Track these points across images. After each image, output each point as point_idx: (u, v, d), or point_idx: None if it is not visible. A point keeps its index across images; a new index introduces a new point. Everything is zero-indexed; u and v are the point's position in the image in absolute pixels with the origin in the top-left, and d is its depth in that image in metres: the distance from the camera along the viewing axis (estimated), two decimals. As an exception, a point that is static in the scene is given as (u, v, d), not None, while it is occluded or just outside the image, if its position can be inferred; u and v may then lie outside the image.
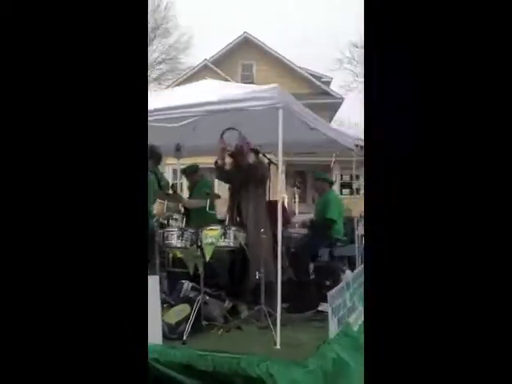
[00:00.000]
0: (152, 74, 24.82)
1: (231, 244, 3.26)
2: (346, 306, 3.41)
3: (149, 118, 2.17)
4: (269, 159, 4.07)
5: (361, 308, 3.64)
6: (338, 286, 3.34)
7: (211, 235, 3.12)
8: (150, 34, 23.98)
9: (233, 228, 3.29)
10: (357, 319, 3.49)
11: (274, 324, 2.98)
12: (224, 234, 3.16)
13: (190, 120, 3.25)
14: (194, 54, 28.22)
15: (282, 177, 4.63)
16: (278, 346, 2.82)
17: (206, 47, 26.73)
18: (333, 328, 2.97)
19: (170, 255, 3.78)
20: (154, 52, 24.56)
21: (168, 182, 4.25)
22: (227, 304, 3.46)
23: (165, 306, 3.33)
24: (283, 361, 2.50)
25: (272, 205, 3.92)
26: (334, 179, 13.38)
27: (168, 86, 18.15)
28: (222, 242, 3.20)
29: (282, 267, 3.18)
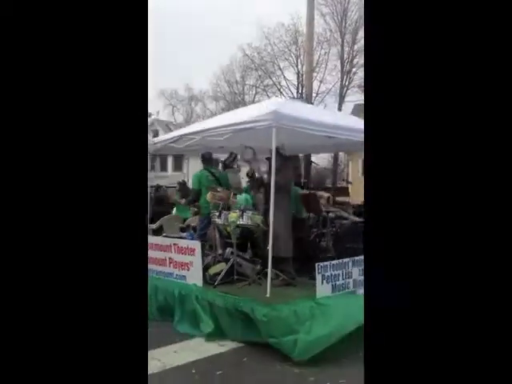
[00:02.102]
0: (361, 60, 25.49)
1: (249, 223, 4.67)
2: (353, 277, 4.49)
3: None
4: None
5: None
6: (336, 260, 4.45)
7: (232, 217, 4.57)
8: (360, 20, 24.68)
9: (249, 212, 4.65)
10: None
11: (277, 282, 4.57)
12: (241, 216, 4.56)
13: (226, 136, 4.74)
14: None
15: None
16: (268, 295, 4.20)
17: None
18: (321, 291, 4.15)
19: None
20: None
21: (217, 177, 5.74)
22: (258, 267, 4.84)
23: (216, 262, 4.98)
24: (263, 303, 3.95)
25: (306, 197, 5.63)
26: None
27: None
28: (241, 222, 4.62)
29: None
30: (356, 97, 25.32)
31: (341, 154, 26.11)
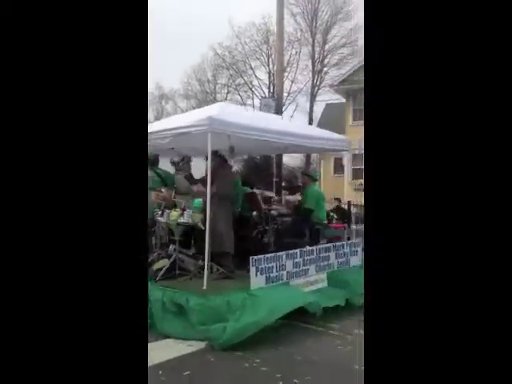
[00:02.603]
0: (331, 59, 26.00)
1: (189, 221, 4.91)
2: (286, 269, 4.87)
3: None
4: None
5: (319, 276, 5.25)
6: (270, 254, 4.81)
7: (173, 215, 4.74)
8: (331, 19, 25.20)
9: (189, 211, 4.85)
10: (304, 283, 5.01)
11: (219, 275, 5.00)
12: (182, 215, 4.73)
13: (168, 139, 5.01)
14: None
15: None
16: (205, 287, 4.53)
17: None
18: (255, 282, 4.48)
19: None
20: (335, 37, 25.79)
21: (163, 178, 5.97)
22: (200, 262, 4.98)
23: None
24: (198, 295, 4.28)
25: (249, 196, 6.22)
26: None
27: (348, 71, 19.06)
28: (182, 220, 4.80)
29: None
30: (328, 96, 25.76)
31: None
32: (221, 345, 3.83)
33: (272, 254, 4.78)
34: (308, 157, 26.48)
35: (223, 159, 5.39)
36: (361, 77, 17.44)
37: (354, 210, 14.40)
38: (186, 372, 3.49)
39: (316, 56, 25.55)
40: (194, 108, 31.18)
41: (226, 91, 29.60)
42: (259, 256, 4.60)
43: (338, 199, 11.27)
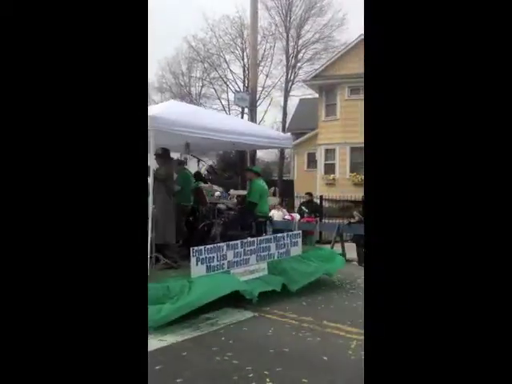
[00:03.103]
0: (305, 55, 26.13)
1: None
2: (227, 259, 5.33)
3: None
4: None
5: (260, 265, 5.74)
6: (210, 245, 5.24)
7: None
8: (305, 14, 25.29)
9: None
10: (244, 272, 5.51)
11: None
12: None
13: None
14: (349, 30, 28.63)
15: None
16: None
17: (361, 23, 26.81)
18: (196, 271, 4.94)
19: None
20: (308, 32, 25.91)
21: None
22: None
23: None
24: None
25: (196, 191, 7.03)
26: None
27: (321, 66, 19.18)
28: None
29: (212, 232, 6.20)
30: (301, 91, 26.00)
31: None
32: (156, 322, 4.23)
33: (213, 245, 5.19)
34: (282, 152, 26.63)
35: (166, 156, 5.91)
36: (333, 72, 17.66)
37: (325, 204, 14.70)
38: (157, 366, 3.55)
39: (290, 51, 25.67)
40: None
41: (200, 84, 29.46)
42: (199, 247, 4.97)
43: (310, 193, 11.45)
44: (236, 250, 5.40)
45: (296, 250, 6.43)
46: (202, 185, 7.67)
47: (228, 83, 27.96)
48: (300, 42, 25.88)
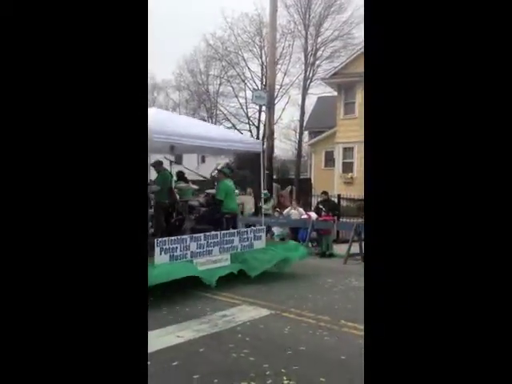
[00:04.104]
0: (324, 52, 26.01)
1: None
2: (190, 250, 5.97)
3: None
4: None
5: (222, 256, 6.45)
6: (173, 237, 5.90)
7: None
8: (324, 12, 25.17)
9: None
10: (206, 261, 6.20)
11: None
12: None
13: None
14: None
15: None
16: None
17: None
18: (159, 260, 5.57)
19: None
20: (327, 30, 25.73)
21: None
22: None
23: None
24: None
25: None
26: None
27: (340, 64, 19.03)
28: None
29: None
30: (320, 89, 25.83)
31: (305, 146, 26.53)
32: None
33: (176, 237, 5.87)
34: (299, 150, 26.55)
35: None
36: (352, 70, 17.51)
37: (343, 203, 14.58)
38: (174, 362, 3.60)
39: (309, 49, 25.52)
40: (186, 101, 30.97)
41: (218, 82, 29.55)
42: (163, 238, 5.65)
43: (325, 192, 11.37)
44: (199, 242, 6.07)
45: (259, 244, 7.14)
46: (182, 184, 8.61)
47: (246, 81, 28.00)
48: (319, 39, 25.70)
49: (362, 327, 4.64)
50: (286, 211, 11.37)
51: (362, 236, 9.63)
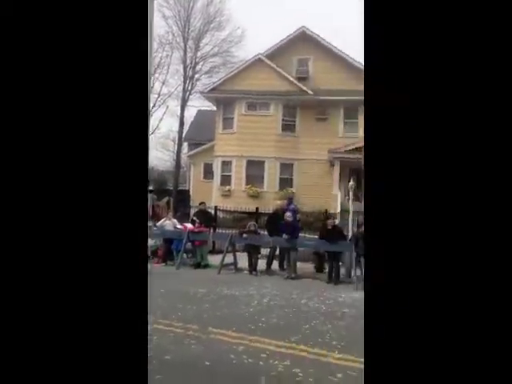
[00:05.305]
0: (203, 67, 26.18)
1: None
2: None
3: None
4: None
5: None
6: None
7: None
8: (203, 27, 25.44)
9: None
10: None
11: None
12: None
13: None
14: (247, 47, 29.20)
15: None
16: None
17: (259, 41, 27.59)
18: None
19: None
20: (207, 45, 25.87)
21: None
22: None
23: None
24: None
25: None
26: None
27: (219, 80, 19.02)
28: None
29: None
30: (199, 102, 26.07)
31: (184, 157, 26.49)
32: None
33: None
34: (178, 161, 26.43)
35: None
36: (230, 87, 18.07)
37: (220, 214, 14.88)
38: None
39: (188, 61, 25.71)
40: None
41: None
42: None
43: (203, 203, 11.53)
44: None
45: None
46: None
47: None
48: (198, 54, 26.10)
49: (229, 333, 4.80)
50: (159, 222, 11.22)
51: (236, 246, 10.00)
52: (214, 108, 20.16)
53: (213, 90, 18.63)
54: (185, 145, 26.40)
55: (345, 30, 46.43)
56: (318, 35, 18.01)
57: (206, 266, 9.88)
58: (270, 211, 11.65)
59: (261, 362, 3.99)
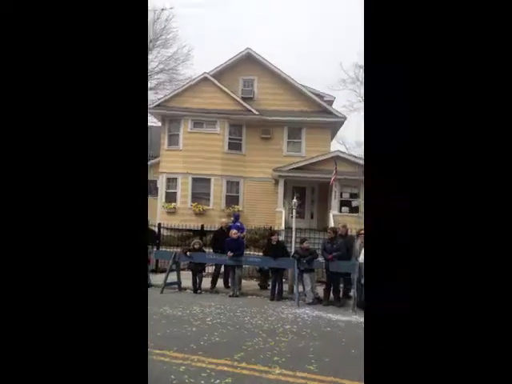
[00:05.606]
0: (149, 83, 25.93)
1: None
2: None
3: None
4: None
5: None
6: None
7: None
8: (149, 44, 25.24)
9: None
10: None
11: None
12: None
13: None
14: (193, 66, 29.09)
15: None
16: None
17: (205, 60, 27.91)
18: None
19: None
20: (153, 61, 25.59)
21: None
22: None
23: None
24: None
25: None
26: (333, 197, 15.13)
27: (165, 96, 18.84)
28: None
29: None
30: (144, 118, 25.64)
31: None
32: None
33: None
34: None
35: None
36: (176, 104, 18.00)
37: (164, 232, 14.60)
38: None
39: (134, 77, 25.41)
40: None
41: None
42: None
43: (146, 221, 11.32)
44: None
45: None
46: None
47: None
48: (144, 69, 25.90)
49: (170, 353, 4.74)
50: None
51: (181, 265, 9.84)
52: (159, 124, 19.98)
53: (158, 105, 18.49)
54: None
55: (291, 51, 48.15)
56: (263, 57, 18.54)
57: (149, 285, 9.67)
58: (216, 229, 11.65)
59: (202, 382, 3.97)
